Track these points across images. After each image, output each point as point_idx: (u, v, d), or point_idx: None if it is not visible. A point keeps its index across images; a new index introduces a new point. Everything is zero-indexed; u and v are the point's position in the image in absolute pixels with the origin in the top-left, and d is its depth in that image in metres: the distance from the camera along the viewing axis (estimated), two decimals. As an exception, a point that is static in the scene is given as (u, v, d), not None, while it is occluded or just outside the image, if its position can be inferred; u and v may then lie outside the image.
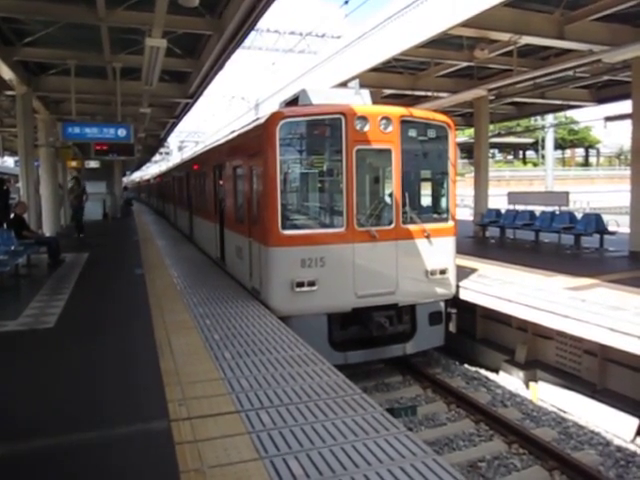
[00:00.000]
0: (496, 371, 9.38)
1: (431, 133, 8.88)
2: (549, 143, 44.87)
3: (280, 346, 5.86)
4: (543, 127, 44.19)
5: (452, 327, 9.10)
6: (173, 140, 54.95)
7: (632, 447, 6.79)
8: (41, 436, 3.87)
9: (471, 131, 21.31)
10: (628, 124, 12.60)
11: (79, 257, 12.76)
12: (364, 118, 8.11)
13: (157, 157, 57.99)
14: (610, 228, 13.13)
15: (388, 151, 8.35)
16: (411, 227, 8.51)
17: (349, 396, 4.49)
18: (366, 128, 8.12)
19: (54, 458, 3.60)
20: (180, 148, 57.69)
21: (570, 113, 41.15)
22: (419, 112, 9.11)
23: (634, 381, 7.48)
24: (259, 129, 8.50)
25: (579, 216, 14.17)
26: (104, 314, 7.60)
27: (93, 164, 24.11)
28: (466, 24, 10.02)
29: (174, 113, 19.92)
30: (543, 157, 53.35)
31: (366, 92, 9.29)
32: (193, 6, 7.81)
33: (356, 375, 7.82)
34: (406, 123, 8.51)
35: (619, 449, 6.73)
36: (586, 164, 69.53)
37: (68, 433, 3.92)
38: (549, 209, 15.05)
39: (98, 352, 5.81)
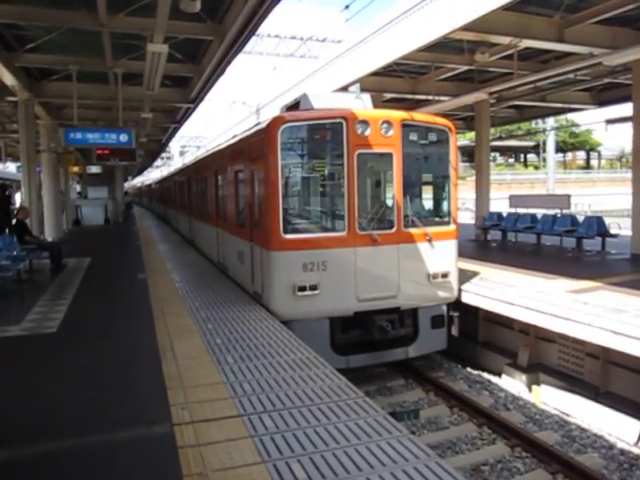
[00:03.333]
0: (498, 374, 9.36)
1: (432, 137, 8.90)
2: (550, 146, 44.84)
3: (282, 350, 5.87)
4: (544, 130, 44.18)
5: (454, 330, 9.08)
6: (174, 145, 55.11)
7: (635, 450, 6.77)
8: (44, 440, 3.88)
9: (472, 134, 21.35)
10: (629, 127, 12.60)
11: (81, 262, 12.78)
12: (365, 122, 8.13)
13: (159, 162, 58.12)
14: (612, 231, 13.13)
15: (389, 155, 8.37)
16: (413, 231, 8.52)
17: (352, 399, 4.50)
18: (367, 132, 8.14)
19: (57, 462, 3.61)
20: (181, 153, 57.81)
21: (571, 116, 41.33)
22: (420, 116, 9.12)
23: (637, 384, 7.46)
24: (260, 134, 8.53)
25: (581, 219, 14.16)
26: (107, 318, 7.61)
27: (95, 169, 24.21)
28: (466, 28, 10.04)
29: (175, 118, 19.97)
30: (544, 160, 53.32)
31: (367, 96, 9.31)
32: (194, 11, 7.84)
33: (358, 379, 7.83)
34: (407, 127, 8.53)
35: (622, 452, 6.71)
36: (587, 167, 69.51)
37: (71, 437, 3.92)
38: (551, 212, 15.06)
39: (101, 356, 5.82)
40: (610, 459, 6.53)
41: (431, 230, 8.66)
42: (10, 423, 4.19)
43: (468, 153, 41.34)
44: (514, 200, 16.84)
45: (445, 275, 8.77)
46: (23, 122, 14.45)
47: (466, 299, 9.31)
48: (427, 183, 9.51)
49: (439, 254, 8.71)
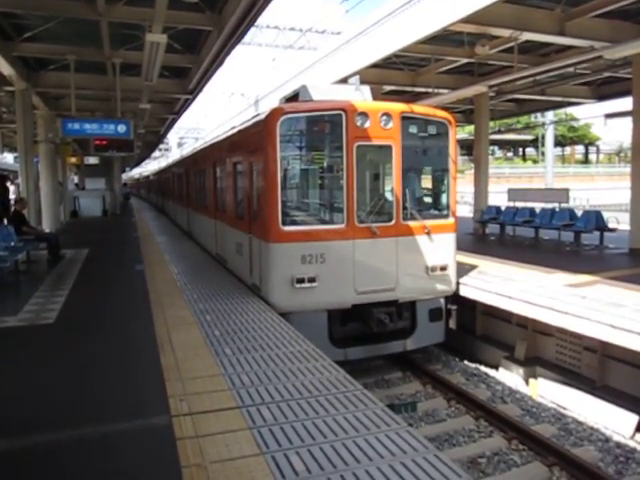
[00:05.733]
0: (496, 367, 9.39)
1: (431, 129, 8.86)
2: (549, 140, 44.83)
3: (280, 342, 5.87)
4: (543, 124, 44.12)
5: (452, 324, 9.11)
6: (173, 136, 55.07)
7: (631, 443, 6.80)
8: (42, 432, 3.87)
9: (471, 128, 21.32)
10: (628, 121, 12.58)
11: (79, 253, 12.75)
12: (364, 114, 8.09)
13: (157, 153, 58.01)
14: (610, 225, 13.14)
15: (388, 147, 8.34)
16: (411, 223, 8.50)
17: (350, 392, 4.50)
18: (366, 124, 8.10)
19: (55, 454, 3.60)
20: (180, 144, 57.71)
21: (570, 110, 41.17)
22: (419, 108, 9.09)
23: (634, 378, 7.49)
24: (259, 125, 8.49)
25: (579, 213, 14.17)
26: (104, 310, 7.60)
27: (92, 160, 24.17)
28: (467, 20, 9.99)
29: (174, 109, 19.89)
30: (543, 154, 53.31)
31: (366, 88, 9.27)
32: (193, 2, 7.80)
33: (356, 371, 7.82)
34: (406, 119, 8.50)
35: (618, 445, 6.74)
36: (586, 161, 69.50)
37: (69, 429, 3.92)
38: (549, 206, 15.05)
39: (99, 348, 5.81)
40: (606, 452, 6.56)
41: (430, 223, 8.65)
42: (8, 414, 4.18)
43: (467, 146, 41.30)
44: (513, 194, 16.83)
45: (443, 268, 8.77)
46: (20, 112, 14.37)
47: (464, 292, 9.32)
48: (426, 176, 9.50)
49: (438, 247, 8.70)
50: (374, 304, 8.22)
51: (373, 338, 8.37)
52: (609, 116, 14.62)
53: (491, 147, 51.11)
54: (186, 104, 18.47)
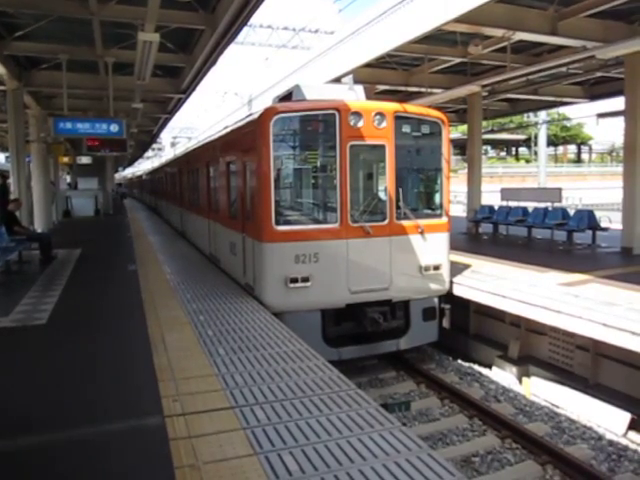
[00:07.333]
0: (489, 366, 9.41)
1: (425, 129, 8.88)
2: (542, 139, 44.98)
3: (274, 342, 5.86)
4: (536, 123, 44.30)
5: (446, 323, 9.11)
6: (166, 136, 54.83)
7: (624, 441, 6.84)
8: (34, 433, 3.85)
9: (464, 127, 21.34)
10: (620, 121, 12.64)
11: (71, 253, 12.68)
12: (358, 114, 8.09)
13: (150, 153, 57.78)
14: (602, 224, 13.20)
15: (382, 147, 8.34)
16: (405, 223, 8.51)
17: (343, 391, 4.50)
18: (360, 124, 8.11)
19: (48, 454, 3.58)
20: (173, 144, 57.50)
21: (563, 110, 41.34)
22: (413, 108, 9.09)
23: (626, 376, 7.53)
24: (253, 125, 8.47)
25: (572, 212, 14.22)
26: (97, 310, 7.55)
27: (85, 160, 24.04)
28: (460, 20, 10.00)
29: (167, 108, 19.81)
30: (536, 153, 53.53)
31: (360, 88, 9.26)
32: (186, 0, 7.75)
33: (350, 371, 7.82)
34: (400, 119, 8.50)
35: (611, 443, 6.77)
36: (578, 161, 69.88)
37: (61, 430, 3.89)
38: (542, 205, 15.10)
39: (91, 348, 5.78)
40: (599, 450, 6.59)
41: (423, 222, 8.66)
42: (0, 415, 4.16)
43: (460, 146, 41.41)
44: (506, 193, 16.86)
45: (437, 267, 8.79)
46: (12, 112, 14.27)
47: (457, 292, 9.33)
48: (419, 175, 9.51)
49: (431, 246, 8.72)
50: (368, 303, 8.22)
51: (367, 337, 8.37)
52: (601, 116, 14.67)
53: (484, 147, 51.25)
54: (179, 103, 18.41)
